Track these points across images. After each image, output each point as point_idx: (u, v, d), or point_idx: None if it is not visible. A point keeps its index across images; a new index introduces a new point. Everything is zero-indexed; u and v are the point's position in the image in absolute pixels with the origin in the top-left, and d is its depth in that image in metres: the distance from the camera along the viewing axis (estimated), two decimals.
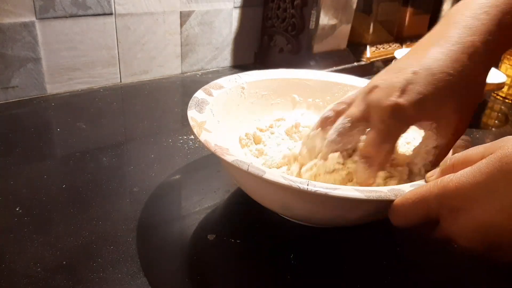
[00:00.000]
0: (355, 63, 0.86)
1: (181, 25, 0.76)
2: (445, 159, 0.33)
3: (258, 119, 0.49)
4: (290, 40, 0.80)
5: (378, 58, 0.90)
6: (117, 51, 0.70)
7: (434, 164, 0.35)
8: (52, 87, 0.65)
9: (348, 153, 0.37)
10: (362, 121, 0.34)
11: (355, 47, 0.88)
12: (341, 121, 0.35)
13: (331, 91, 0.51)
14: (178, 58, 0.79)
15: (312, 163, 0.37)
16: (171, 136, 0.56)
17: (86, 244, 0.36)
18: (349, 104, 0.36)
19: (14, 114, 0.58)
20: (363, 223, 0.36)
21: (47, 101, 0.63)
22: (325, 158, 0.36)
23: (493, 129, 0.69)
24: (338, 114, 0.37)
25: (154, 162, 0.49)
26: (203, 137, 0.34)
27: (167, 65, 0.78)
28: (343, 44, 0.85)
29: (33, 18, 0.60)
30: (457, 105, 0.33)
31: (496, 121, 0.73)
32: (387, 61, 0.88)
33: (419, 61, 0.33)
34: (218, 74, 0.82)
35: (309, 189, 0.29)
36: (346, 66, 0.84)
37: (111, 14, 0.67)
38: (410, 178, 0.37)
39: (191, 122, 0.36)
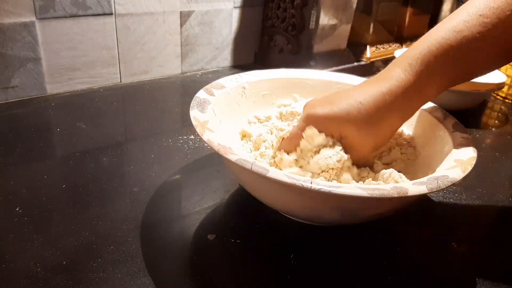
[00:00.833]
0: (355, 63, 0.86)
1: (181, 25, 0.76)
2: None
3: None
4: (290, 40, 0.80)
5: (378, 58, 0.90)
6: (117, 51, 0.70)
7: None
8: (52, 87, 0.66)
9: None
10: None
11: (355, 47, 0.88)
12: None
13: (332, 91, 0.51)
14: (178, 58, 0.79)
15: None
16: (171, 136, 0.56)
17: (86, 244, 0.36)
18: None
19: (14, 114, 0.58)
20: (365, 221, 0.36)
21: (47, 101, 0.63)
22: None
23: (493, 129, 0.69)
24: None
25: (154, 162, 0.49)
26: (206, 136, 0.35)
27: (167, 65, 0.78)
28: (343, 44, 0.85)
29: (33, 18, 0.60)
30: (361, 133, 0.37)
31: (496, 121, 0.73)
32: (387, 61, 0.88)
33: (348, 91, 0.38)
34: (218, 74, 0.82)
35: (312, 188, 0.29)
36: (346, 66, 0.84)
37: (111, 14, 0.67)
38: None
39: (194, 122, 0.37)
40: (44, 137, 0.53)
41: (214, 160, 0.51)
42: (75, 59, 0.66)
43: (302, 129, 0.38)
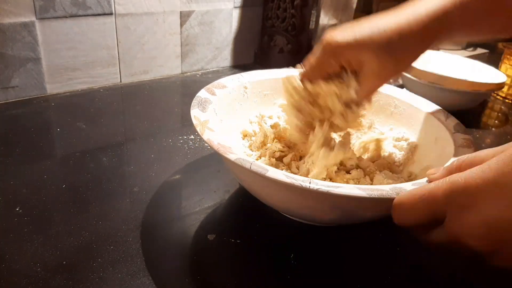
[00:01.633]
0: None
1: (181, 25, 0.76)
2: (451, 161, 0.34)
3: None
4: (290, 40, 0.80)
5: None
6: (117, 51, 0.70)
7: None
8: (52, 87, 0.66)
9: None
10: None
11: None
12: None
13: None
14: (178, 58, 0.79)
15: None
16: (171, 136, 0.56)
17: (86, 244, 0.36)
18: None
19: (14, 114, 0.58)
20: (364, 221, 0.36)
21: (47, 101, 0.63)
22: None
23: (493, 129, 0.69)
24: None
25: (154, 162, 0.49)
26: (206, 135, 0.35)
27: (167, 65, 0.78)
28: None
29: (33, 18, 0.60)
30: (380, 58, 0.36)
31: (496, 121, 0.73)
32: None
33: (381, 20, 0.37)
34: (218, 74, 0.82)
35: (311, 187, 0.29)
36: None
37: (111, 14, 0.67)
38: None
39: (194, 121, 0.37)
40: (44, 137, 0.53)
41: (214, 160, 0.51)
42: (75, 59, 0.66)
43: (320, 60, 0.39)
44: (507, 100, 0.81)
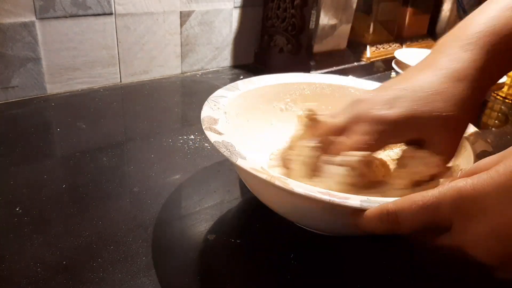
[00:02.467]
0: (355, 63, 0.86)
1: (181, 25, 0.76)
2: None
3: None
4: (290, 40, 0.80)
5: (378, 58, 0.90)
6: (117, 51, 0.70)
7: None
8: (52, 87, 0.66)
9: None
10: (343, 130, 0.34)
11: (355, 47, 0.88)
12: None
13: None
14: (178, 58, 0.79)
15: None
16: (171, 136, 0.56)
17: (86, 244, 0.36)
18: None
19: (14, 114, 0.58)
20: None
21: (47, 101, 0.63)
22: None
23: (493, 129, 0.69)
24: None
25: (154, 162, 0.49)
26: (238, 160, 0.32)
27: (167, 65, 0.78)
28: (343, 44, 0.85)
29: (33, 18, 0.60)
30: (447, 122, 0.32)
31: (496, 121, 0.73)
32: (387, 61, 0.88)
33: (408, 81, 0.33)
34: (218, 74, 0.82)
35: (347, 204, 0.27)
36: (346, 66, 0.84)
37: (111, 14, 0.67)
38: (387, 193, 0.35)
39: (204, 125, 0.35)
40: (44, 137, 0.53)
41: (214, 160, 0.51)
42: (75, 59, 0.66)
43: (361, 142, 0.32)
44: (507, 100, 0.81)
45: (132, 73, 0.74)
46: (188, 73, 0.81)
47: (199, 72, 0.82)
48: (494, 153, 0.37)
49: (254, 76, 0.47)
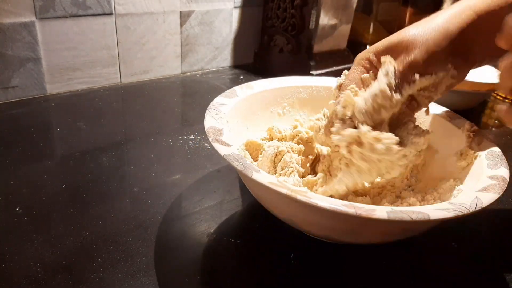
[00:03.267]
0: None
1: (181, 25, 0.76)
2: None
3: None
4: (290, 40, 0.80)
5: None
6: (117, 51, 0.70)
7: None
8: (52, 87, 0.66)
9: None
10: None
11: (355, 47, 0.88)
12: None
13: None
14: (178, 58, 0.79)
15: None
16: (171, 136, 0.56)
17: (86, 244, 0.36)
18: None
19: (14, 114, 0.59)
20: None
21: (47, 101, 0.63)
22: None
23: (493, 129, 0.69)
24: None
25: (154, 162, 0.49)
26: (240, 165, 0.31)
27: (167, 65, 0.78)
28: (343, 44, 0.85)
29: (33, 18, 0.60)
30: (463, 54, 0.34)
31: (496, 121, 0.73)
32: None
33: (423, 23, 0.34)
34: (218, 74, 0.82)
35: (361, 214, 0.26)
36: (346, 66, 0.84)
37: (111, 14, 0.67)
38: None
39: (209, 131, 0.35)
40: (44, 137, 0.53)
41: (214, 160, 0.51)
42: (75, 59, 0.66)
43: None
44: (507, 100, 0.81)
45: (132, 73, 0.74)
46: (188, 73, 0.81)
47: (199, 72, 0.82)
48: (500, 152, 0.37)
49: (252, 81, 0.47)
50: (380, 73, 0.33)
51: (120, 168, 0.48)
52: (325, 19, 0.77)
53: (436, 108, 0.45)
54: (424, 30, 0.34)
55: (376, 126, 0.33)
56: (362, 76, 0.37)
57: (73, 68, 0.66)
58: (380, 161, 0.32)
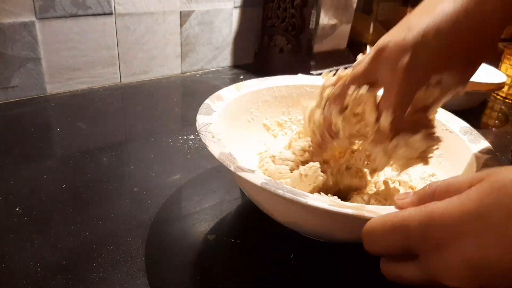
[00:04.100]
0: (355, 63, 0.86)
1: (181, 25, 0.76)
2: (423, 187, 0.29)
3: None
4: (290, 40, 0.80)
5: None
6: (117, 51, 0.70)
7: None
8: (52, 87, 0.66)
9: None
10: (369, 77, 0.35)
11: (355, 47, 0.88)
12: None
13: None
14: (178, 58, 0.79)
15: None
16: (171, 136, 0.56)
17: (86, 244, 0.36)
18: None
19: (14, 114, 0.58)
20: None
21: (47, 101, 0.63)
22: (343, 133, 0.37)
23: (493, 129, 0.69)
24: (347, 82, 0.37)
25: (154, 162, 0.49)
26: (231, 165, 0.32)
27: (167, 65, 0.78)
28: (343, 44, 0.85)
29: (33, 18, 0.60)
30: (463, 59, 0.32)
31: (496, 121, 0.73)
32: None
33: (429, 16, 0.31)
34: (218, 74, 0.82)
35: (361, 214, 0.27)
36: (346, 65, 0.84)
37: (111, 14, 0.67)
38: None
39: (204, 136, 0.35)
40: (44, 137, 0.53)
41: (214, 160, 0.50)
42: (75, 59, 0.66)
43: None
44: (507, 100, 0.81)
45: (132, 73, 0.74)
46: (188, 73, 0.81)
47: (199, 72, 0.82)
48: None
49: (220, 90, 0.45)
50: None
51: (120, 168, 0.48)
52: (325, 19, 0.77)
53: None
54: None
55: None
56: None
57: (73, 68, 0.66)
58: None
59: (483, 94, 0.72)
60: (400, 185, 0.42)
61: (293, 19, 0.78)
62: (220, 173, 0.48)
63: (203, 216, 0.41)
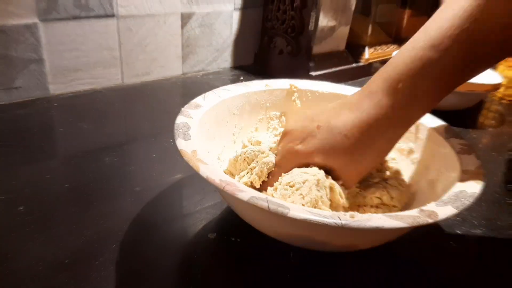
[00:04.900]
0: (354, 64, 0.87)
1: (182, 27, 0.77)
2: None
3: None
4: (289, 42, 0.80)
5: (376, 59, 0.91)
6: (119, 53, 0.71)
7: None
8: (55, 88, 0.66)
9: None
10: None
11: (353, 48, 0.89)
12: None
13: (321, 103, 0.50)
14: (179, 59, 0.79)
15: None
16: (172, 136, 0.55)
17: (88, 243, 0.36)
18: None
19: (17, 114, 0.59)
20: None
21: (50, 101, 0.64)
22: None
23: (489, 129, 0.69)
24: None
25: (155, 162, 0.50)
26: (203, 171, 0.31)
27: (168, 66, 0.78)
28: (342, 46, 0.86)
29: (36, 20, 0.60)
30: (347, 164, 0.36)
31: (492, 121, 0.73)
32: (386, 62, 0.89)
33: (328, 118, 0.36)
34: (218, 75, 0.83)
35: (343, 224, 0.27)
36: (345, 67, 0.85)
37: (113, 16, 0.68)
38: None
39: (185, 158, 0.33)
40: (47, 137, 0.54)
41: None
42: (77, 60, 0.67)
43: (284, 168, 0.37)
44: (503, 101, 0.81)
45: (134, 74, 0.74)
46: (189, 74, 0.82)
47: (200, 73, 0.83)
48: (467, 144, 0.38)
49: (196, 99, 0.44)
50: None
51: (122, 168, 0.48)
52: (324, 21, 0.78)
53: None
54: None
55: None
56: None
57: (76, 69, 0.67)
58: None
59: (480, 95, 0.72)
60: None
61: (292, 21, 0.78)
62: None
63: (204, 215, 0.41)
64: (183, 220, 0.40)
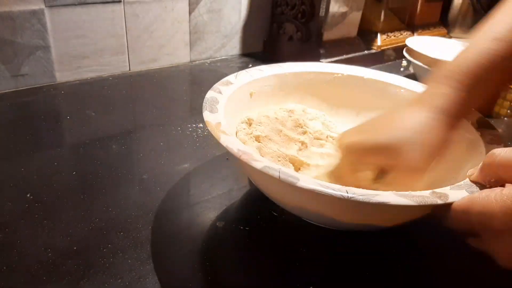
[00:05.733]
0: (366, 51, 0.85)
1: (190, 13, 0.76)
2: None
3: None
4: (299, 28, 0.79)
5: (389, 46, 0.89)
6: (126, 39, 0.70)
7: None
8: (62, 75, 0.66)
9: None
10: None
11: (365, 35, 0.87)
12: None
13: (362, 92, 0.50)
14: (186, 46, 0.78)
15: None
16: (180, 124, 0.56)
17: (96, 230, 0.36)
18: None
19: (24, 102, 0.59)
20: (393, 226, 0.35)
21: (57, 89, 0.64)
22: None
23: (505, 118, 0.68)
24: None
25: (163, 149, 0.49)
26: (223, 140, 0.33)
27: (176, 53, 0.78)
28: (353, 32, 0.84)
29: (42, 6, 0.60)
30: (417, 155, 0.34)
31: (508, 111, 0.72)
32: (398, 49, 0.87)
33: (398, 129, 0.35)
34: (227, 62, 0.82)
35: (349, 197, 0.27)
36: (357, 54, 0.83)
37: (119, 1, 0.67)
38: None
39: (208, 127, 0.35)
40: (54, 125, 0.54)
41: (223, 148, 0.50)
42: (84, 47, 0.66)
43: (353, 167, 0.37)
44: None
45: (141, 61, 0.74)
46: (197, 62, 0.81)
47: (208, 61, 0.82)
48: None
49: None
50: None
51: (129, 156, 0.48)
52: (336, 6, 0.76)
53: None
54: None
55: None
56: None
57: (82, 56, 0.67)
58: None
59: None
60: None
61: (302, 6, 0.77)
62: (229, 161, 0.48)
63: (212, 204, 0.41)
64: (191, 208, 0.40)
